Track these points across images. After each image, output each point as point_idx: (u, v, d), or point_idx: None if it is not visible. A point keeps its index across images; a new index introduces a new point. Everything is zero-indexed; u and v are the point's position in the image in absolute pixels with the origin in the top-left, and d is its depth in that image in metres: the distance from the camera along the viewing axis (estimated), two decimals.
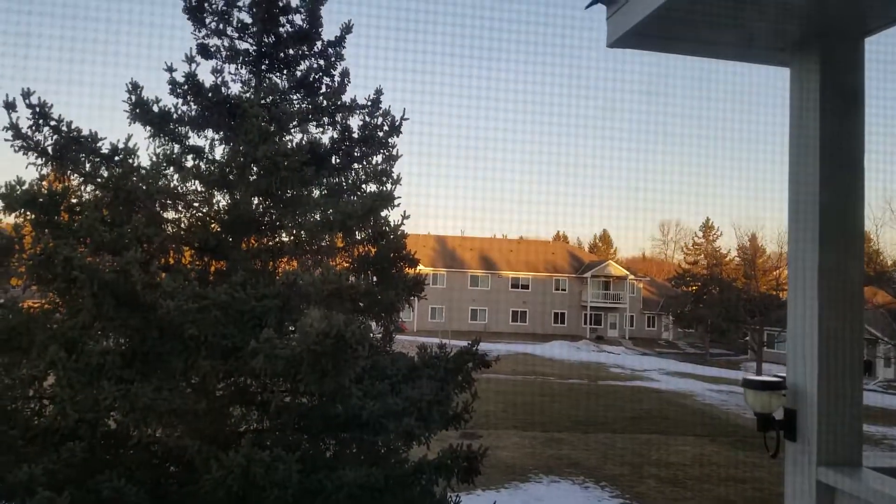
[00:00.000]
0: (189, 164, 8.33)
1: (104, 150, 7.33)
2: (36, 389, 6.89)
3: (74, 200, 7.22)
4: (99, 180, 7.28)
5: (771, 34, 4.16)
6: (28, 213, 6.85)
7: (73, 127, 7.12)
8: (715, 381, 35.19)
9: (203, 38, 8.55)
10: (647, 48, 4.30)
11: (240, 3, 8.64)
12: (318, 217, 8.46)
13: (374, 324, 9.32)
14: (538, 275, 62.17)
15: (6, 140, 6.90)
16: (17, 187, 6.72)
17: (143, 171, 7.40)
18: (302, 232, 8.43)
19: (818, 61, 4.16)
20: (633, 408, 25.01)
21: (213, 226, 8.40)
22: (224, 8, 8.62)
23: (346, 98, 8.99)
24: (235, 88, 8.47)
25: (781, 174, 4.39)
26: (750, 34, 4.13)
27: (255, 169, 8.36)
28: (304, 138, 8.73)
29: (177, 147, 8.32)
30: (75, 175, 7.31)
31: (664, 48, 4.34)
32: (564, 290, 62.34)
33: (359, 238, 9.04)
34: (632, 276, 63.10)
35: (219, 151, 8.52)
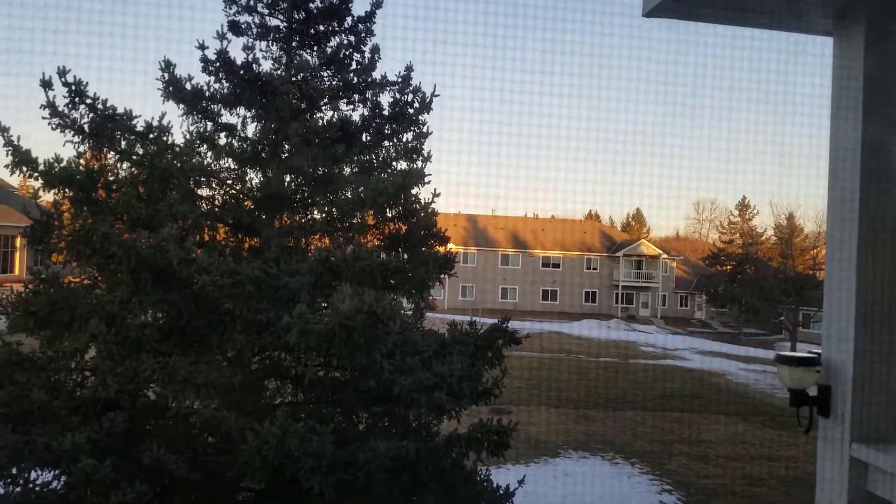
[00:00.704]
0: (222, 141, 8.40)
1: (139, 128, 7.44)
2: (78, 361, 7.09)
3: (111, 178, 7.35)
4: (134, 157, 7.39)
5: (817, 2, 4.03)
6: (66, 189, 7.00)
7: (108, 105, 7.22)
8: (748, 361, 34.77)
9: (234, 14, 8.57)
10: (685, 17, 4.19)
11: None
12: (349, 194, 8.49)
13: (404, 300, 9.35)
14: (569, 254, 61.79)
15: (44, 118, 7.05)
16: (56, 164, 6.86)
17: (178, 149, 7.48)
18: (333, 209, 8.48)
19: (863, 30, 4.02)
20: (663, 386, 24.87)
21: (246, 203, 8.48)
22: None
23: (377, 75, 8.95)
24: (266, 65, 8.52)
25: (820, 150, 4.28)
26: (795, 1, 4.00)
27: (286, 146, 8.41)
28: (335, 115, 8.74)
29: (209, 125, 8.38)
30: (111, 152, 7.43)
31: (702, 17, 4.23)
32: (596, 269, 61.90)
33: (389, 216, 9.06)
34: (665, 255, 62.35)
35: (251, 129, 8.58)
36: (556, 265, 61.50)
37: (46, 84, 7.00)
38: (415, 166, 8.78)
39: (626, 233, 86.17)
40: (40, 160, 6.87)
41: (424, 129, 9.19)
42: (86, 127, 7.22)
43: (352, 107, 9.09)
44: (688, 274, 65.45)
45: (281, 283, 7.16)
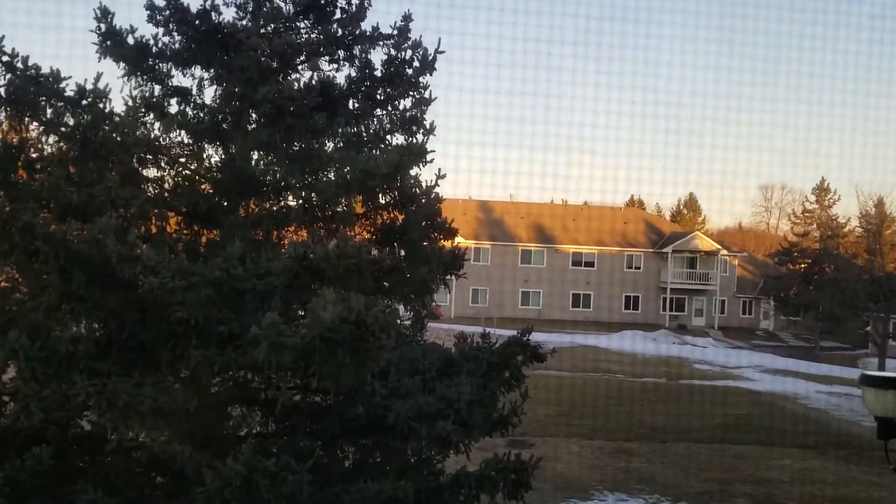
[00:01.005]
0: (173, 109, 8.34)
1: (69, 93, 7.33)
2: None
3: (34, 154, 7.27)
4: (63, 129, 7.29)
5: None
6: None
7: (30, 64, 7.12)
8: (826, 381, 34.59)
9: None
10: None
11: None
12: (332, 176, 8.43)
13: (401, 307, 9.32)
14: (606, 249, 61.66)
15: None
16: None
17: (117, 119, 7.39)
18: (312, 194, 8.44)
19: None
20: (722, 413, 24.74)
21: (203, 186, 8.43)
22: None
23: (367, 26, 8.89)
24: (229, 14, 8.44)
25: None
26: None
27: (253, 116, 8.35)
28: (315, 77, 8.66)
29: (157, 88, 8.31)
30: (34, 123, 7.34)
31: None
32: (639, 268, 61.75)
33: (383, 202, 9.01)
34: (724, 252, 62.13)
35: (209, 94, 8.51)
36: (590, 263, 61.39)
37: None
38: (414, 140, 8.75)
39: (677, 223, 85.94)
40: None
41: (426, 95, 9.14)
42: (2, 91, 7.12)
43: (335, 66, 9.02)
44: (752, 274, 65.23)
45: (247, 285, 7.11)
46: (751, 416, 24.56)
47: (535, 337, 9.28)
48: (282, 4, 8.53)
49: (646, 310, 61.28)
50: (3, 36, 6.88)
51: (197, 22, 8.19)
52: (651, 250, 62.13)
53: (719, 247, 62.00)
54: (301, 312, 7.88)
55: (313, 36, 8.65)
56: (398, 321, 8.57)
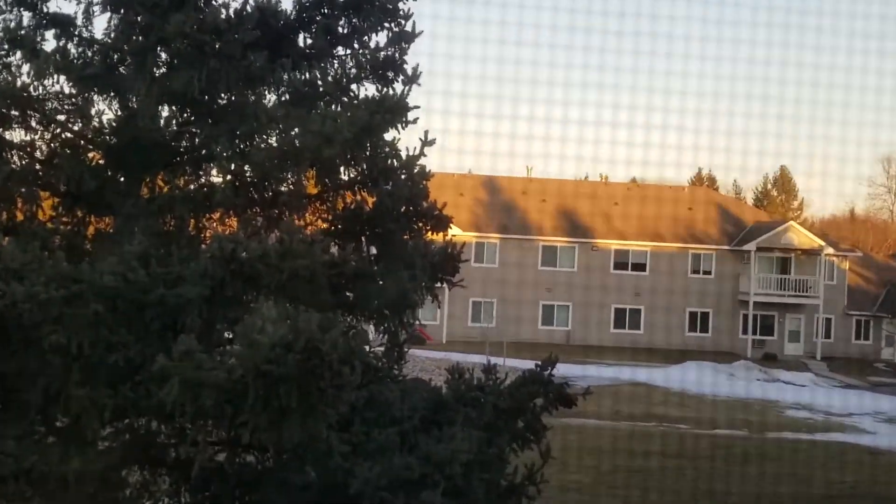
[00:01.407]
0: (49, 46, 8.31)
1: None
2: None
3: None
4: None
5: None
6: None
7: None
8: None
9: None
10: None
11: None
12: (272, 142, 8.45)
13: (371, 329, 9.34)
14: (663, 246, 61.69)
15: None
16: None
17: None
18: (246, 167, 8.47)
19: None
20: (827, 479, 24.78)
21: (91, 155, 8.46)
22: None
23: None
24: None
25: None
26: None
27: (163, 56, 8.36)
28: (250, 1, 8.69)
29: (27, 16, 8.30)
30: None
31: None
32: (709, 272, 61.78)
33: (345, 179, 9.05)
34: (830, 250, 62.23)
35: (100, 24, 8.50)
36: (641, 266, 61.43)
37: None
38: (390, 92, 8.76)
39: (763, 210, 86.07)
40: None
41: (408, 27, 9.16)
42: None
43: None
44: (870, 283, 65.31)
45: (152, 297, 7.15)
46: (866, 484, 24.58)
47: (562, 370, 9.32)
48: None
49: (719, 332, 61.29)
50: None
51: None
52: (727, 248, 62.17)
53: (823, 243, 62.02)
54: (228, 335, 7.88)
55: None
56: (366, 348, 8.60)
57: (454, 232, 48.31)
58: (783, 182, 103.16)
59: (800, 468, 26.31)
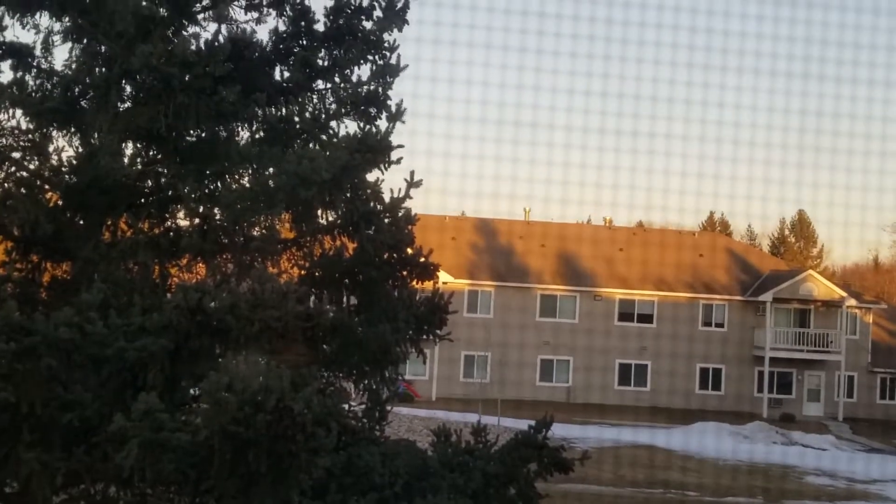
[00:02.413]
0: (5, 77, 8.40)
1: None
2: None
3: None
4: None
5: None
6: None
7: None
8: None
9: None
10: None
11: None
12: (245, 182, 8.46)
13: (350, 386, 9.32)
14: (672, 296, 61.67)
15: None
16: None
17: None
18: (215, 210, 8.48)
19: None
20: None
21: (48, 196, 8.45)
22: None
23: None
24: None
25: None
26: None
27: (128, 89, 8.39)
28: (222, 32, 8.76)
29: None
30: None
31: None
32: (721, 325, 61.73)
33: (324, 223, 9.07)
34: (852, 302, 62.26)
35: (61, 54, 8.54)
36: (647, 318, 61.34)
37: None
38: (373, 129, 8.80)
39: (780, 257, 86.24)
40: None
41: (393, 60, 9.20)
42: None
43: (255, 15, 9.10)
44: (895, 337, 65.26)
45: (111, 351, 7.14)
46: None
47: (560, 431, 9.30)
48: None
49: (733, 390, 61.10)
50: None
51: None
52: (740, 298, 62.10)
53: (845, 294, 62.01)
54: (194, 392, 7.86)
55: None
56: (345, 407, 8.57)
57: (445, 279, 48.30)
58: (801, 228, 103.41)
59: None
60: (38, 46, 8.53)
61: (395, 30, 9.19)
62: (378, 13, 9.13)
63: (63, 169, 8.43)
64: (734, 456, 42.53)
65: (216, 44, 8.40)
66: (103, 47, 8.18)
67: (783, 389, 61.23)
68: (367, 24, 9.17)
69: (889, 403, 62.93)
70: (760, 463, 41.27)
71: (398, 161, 8.52)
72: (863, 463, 43.60)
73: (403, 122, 8.85)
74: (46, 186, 8.48)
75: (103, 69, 8.26)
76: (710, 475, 37.11)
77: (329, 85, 9.29)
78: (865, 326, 63.40)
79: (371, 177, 8.78)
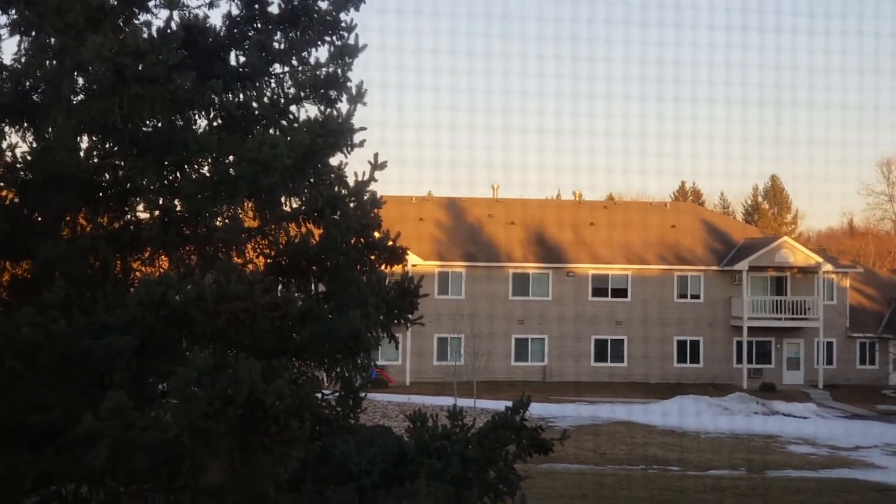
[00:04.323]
0: None
1: None
2: None
3: None
4: None
5: None
6: None
7: None
8: None
9: None
10: None
11: None
12: (205, 171, 8.43)
13: (322, 374, 9.32)
14: (646, 269, 61.86)
15: None
16: None
17: None
18: (175, 201, 8.45)
19: None
20: None
21: (4, 193, 8.41)
22: None
23: None
24: None
25: None
26: None
27: (80, 81, 8.34)
28: (174, 18, 8.72)
29: None
30: None
31: None
32: (697, 296, 62.00)
33: (288, 210, 9.06)
34: (828, 267, 62.58)
35: (9, 48, 8.51)
36: (622, 292, 61.55)
37: None
38: (334, 113, 8.79)
39: (754, 224, 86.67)
40: None
41: (351, 40, 9.19)
42: None
43: (208, 0, 9.04)
44: (873, 301, 65.75)
45: (76, 349, 7.13)
46: None
47: (538, 410, 9.37)
48: None
49: (711, 362, 61.47)
50: None
51: None
52: (716, 268, 62.41)
53: (821, 259, 62.41)
54: (162, 387, 7.85)
55: None
56: (317, 397, 8.58)
57: (414, 261, 48.24)
58: (775, 192, 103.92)
59: None
60: None
61: (353, 9, 9.18)
62: None
63: (18, 165, 8.37)
64: (715, 429, 42.79)
65: (168, 31, 8.36)
66: (53, 40, 8.13)
67: (762, 359, 61.64)
68: (323, 5, 9.16)
69: (868, 368, 63.42)
70: (742, 434, 41.53)
71: (361, 144, 8.52)
72: (844, 429, 43.93)
73: (364, 103, 8.84)
74: (1, 184, 8.42)
75: (54, 62, 8.21)
76: (692, 449, 37.30)
77: (286, 68, 9.27)
78: (843, 291, 63.85)
79: (334, 161, 8.78)
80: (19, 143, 8.49)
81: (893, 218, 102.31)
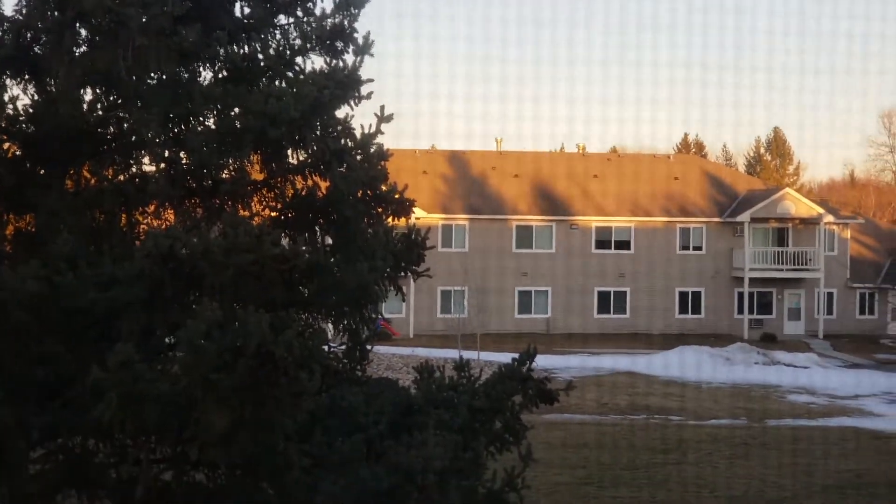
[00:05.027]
0: None
1: None
2: None
3: None
4: None
5: None
6: None
7: None
8: None
9: None
10: None
11: None
12: (211, 124, 8.39)
13: (329, 327, 9.32)
14: (649, 221, 61.87)
15: None
16: None
17: None
18: (181, 154, 8.42)
19: None
20: (832, 468, 24.99)
21: (7, 146, 8.39)
22: None
23: None
24: None
25: None
26: None
27: (83, 32, 8.27)
28: None
29: None
30: None
31: None
32: (700, 248, 62.03)
33: (294, 163, 9.03)
34: (830, 218, 62.58)
35: None
36: (625, 244, 61.61)
37: None
38: (340, 64, 8.73)
39: (756, 176, 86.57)
40: None
41: None
42: None
43: None
44: (874, 252, 65.81)
45: (82, 302, 7.12)
46: (874, 472, 24.79)
47: (542, 362, 9.35)
48: None
49: (713, 313, 61.63)
50: None
51: None
52: (718, 220, 62.43)
53: (822, 210, 62.40)
54: (170, 341, 7.84)
55: None
56: (325, 349, 8.57)
57: (418, 214, 48.14)
58: (777, 144, 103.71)
59: (803, 457, 26.52)
60: None
61: None
62: None
63: (20, 119, 8.33)
64: (716, 378, 42.95)
65: None
66: None
67: (763, 309, 61.78)
68: None
69: (868, 318, 63.64)
70: (742, 384, 41.69)
71: (368, 95, 8.46)
72: (843, 378, 44.09)
73: (371, 55, 8.79)
74: (4, 137, 8.38)
75: (56, 13, 8.14)
76: (693, 399, 37.47)
77: (292, 19, 9.20)
78: (844, 242, 63.92)
79: (340, 113, 8.73)
80: (21, 97, 8.46)
81: (894, 169, 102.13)
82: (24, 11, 8.25)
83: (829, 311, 62.22)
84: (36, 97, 8.42)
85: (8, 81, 8.29)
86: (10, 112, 8.30)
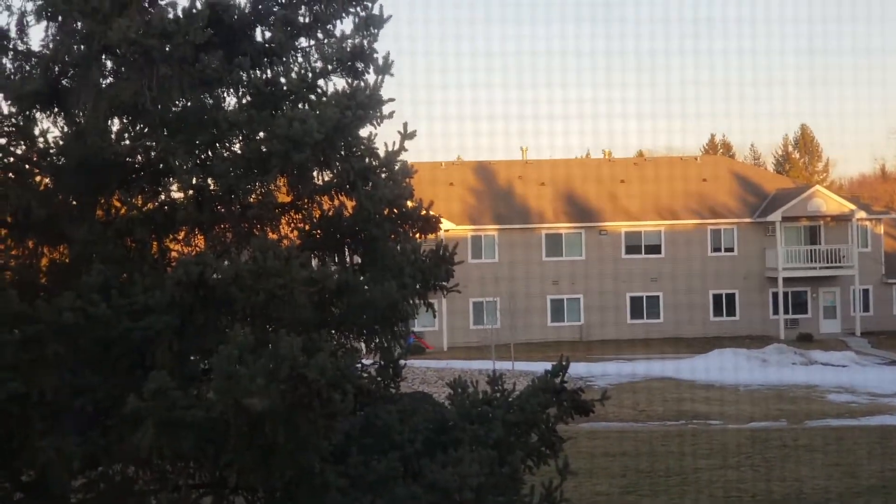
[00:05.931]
0: None
1: None
2: None
3: None
4: None
5: None
6: None
7: None
8: None
9: None
10: None
11: None
12: (236, 149, 8.44)
13: (361, 346, 9.36)
14: (678, 224, 61.62)
15: None
16: None
17: None
18: (209, 180, 8.47)
19: None
20: (876, 468, 24.81)
21: (38, 179, 8.45)
22: None
23: None
24: None
25: None
26: None
27: (108, 65, 8.35)
28: None
29: None
30: None
31: None
32: (731, 249, 61.74)
33: (320, 184, 9.07)
34: (862, 214, 62.16)
35: (37, 34, 8.50)
36: (655, 248, 61.42)
37: None
38: (361, 84, 8.76)
39: (785, 175, 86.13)
40: None
41: (375, 10, 9.16)
42: None
43: None
44: None
45: (116, 332, 7.16)
46: None
47: (578, 370, 9.40)
48: None
49: (748, 314, 61.29)
50: None
51: None
52: (749, 220, 62.14)
53: (854, 207, 61.97)
54: (204, 367, 7.89)
55: None
56: (358, 368, 8.61)
57: (446, 227, 48.19)
58: (805, 141, 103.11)
59: (846, 457, 26.31)
60: (13, 28, 8.49)
61: None
62: None
63: (51, 151, 8.42)
64: (753, 380, 42.70)
65: (194, 10, 8.34)
66: (79, 24, 8.14)
67: (798, 309, 61.42)
68: None
69: None
70: (781, 385, 41.42)
71: (390, 115, 8.50)
72: (884, 376, 43.75)
73: (392, 74, 8.82)
74: (36, 170, 8.47)
75: (82, 46, 8.23)
76: (731, 402, 37.27)
77: (312, 42, 9.25)
78: (877, 238, 63.50)
79: (364, 132, 8.78)
80: (50, 129, 8.54)
81: None
82: (50, 46, 8.34)
83: (866, 308, 61.77)
84: (65, 129, 8.50)
85: (38, 115, 8.38)
86: (41, 145, 8.39)
